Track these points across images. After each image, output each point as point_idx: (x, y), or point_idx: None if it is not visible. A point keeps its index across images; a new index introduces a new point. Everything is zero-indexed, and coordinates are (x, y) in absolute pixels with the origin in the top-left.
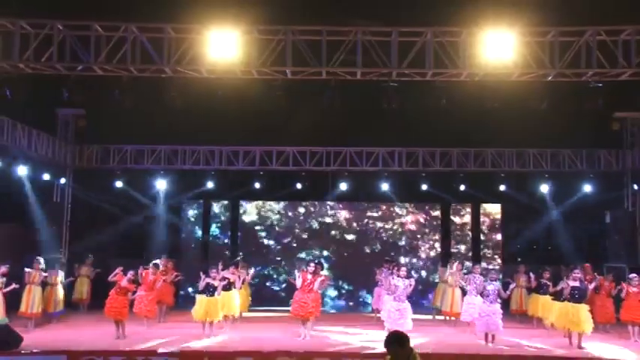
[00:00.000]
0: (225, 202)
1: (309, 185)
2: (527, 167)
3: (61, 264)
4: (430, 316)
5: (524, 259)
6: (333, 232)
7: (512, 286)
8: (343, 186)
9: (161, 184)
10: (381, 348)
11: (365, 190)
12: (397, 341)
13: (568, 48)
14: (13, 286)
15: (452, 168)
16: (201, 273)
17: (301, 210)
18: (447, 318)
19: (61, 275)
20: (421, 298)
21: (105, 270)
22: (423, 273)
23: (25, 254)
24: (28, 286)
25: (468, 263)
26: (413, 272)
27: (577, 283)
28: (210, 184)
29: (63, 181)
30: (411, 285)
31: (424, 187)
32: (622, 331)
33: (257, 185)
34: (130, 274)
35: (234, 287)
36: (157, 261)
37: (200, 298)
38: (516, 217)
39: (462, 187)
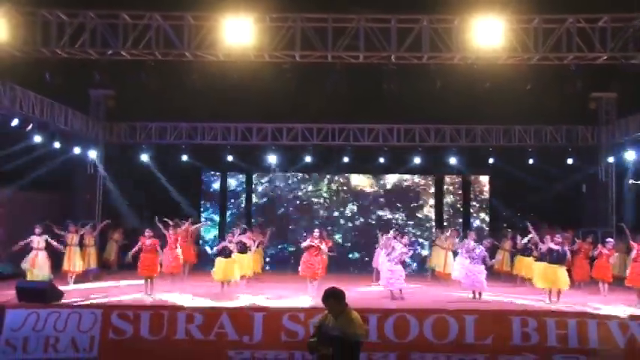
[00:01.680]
0: (241, 175)
1: (317, 158)
2: (514, 142)
3: (93, 228)
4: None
5: (510, 225)
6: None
7: (493, 261)
8: (346, 159)
9: (183, 157)
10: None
11: (366, 163)
12: (333, 296)
13: (551, 34)
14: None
15: (445, 143)
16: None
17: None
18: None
19: (93, 238)
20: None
21: (135, 233)
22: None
23: (63, 220)
24: (69, 247)
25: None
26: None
27: (557, 247)
28: (228, 158)
29: (95, 154)
30: (407, 253)
31: (420, 160)
32: (594, 287)
33: (270, 159)
34: (146, 231)
35: (249, 250)
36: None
37: (218, 260)
38: (503, 187)
39: (454, 160)
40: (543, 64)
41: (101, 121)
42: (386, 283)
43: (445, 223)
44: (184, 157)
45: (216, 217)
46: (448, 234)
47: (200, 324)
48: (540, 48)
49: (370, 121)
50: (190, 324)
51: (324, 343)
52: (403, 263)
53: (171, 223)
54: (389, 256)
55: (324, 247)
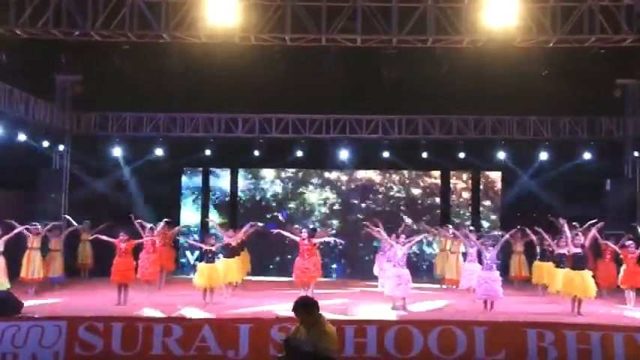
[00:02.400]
0: (224, 169)
1: (309, 153)
2: (528, 134)
3: (61, 229)
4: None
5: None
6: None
7: (503, 238)
8: (343, 154)
9: (159, 152)
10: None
11: (364, 158)
12: (303, 306)
13: (570, 13)
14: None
15: (452, 135)
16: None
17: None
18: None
19: (60, 241)
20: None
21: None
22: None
23: (26, 220)
24: (28, 251)
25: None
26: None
27: (578, 250)
28: (208, 152)
29: (62, 147)
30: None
31: (424, 154)
32: (619, 296)
33: (256, 153)
34: (121, 234)
35: (237, 254)
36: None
37: (201, 266)
38: (516, 184)
39: (462, 155)
40: (562, 47)
41: (68, 111)
42: (392, 291)
43: (456, 223)
44: (161, 151)
45: (197, 218)
46: (449, 233)
47: (179, 337)
48: (559, 29)
49: (368, 111)
50: (168, 337)
51: None
52: (409, 262)
53: (147, 225)
54: (393, 260)
55: (322, 239)
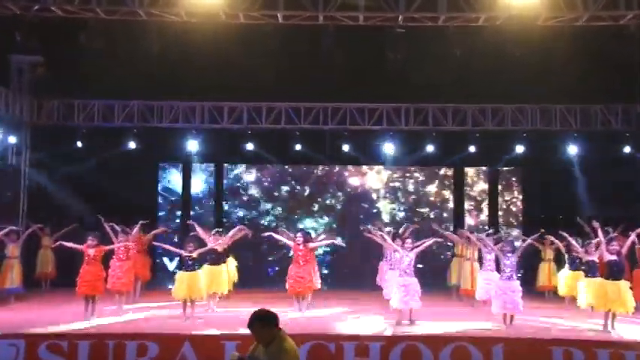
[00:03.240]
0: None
1: (304, 146)
2: (553, 126)
3: (18, 234)
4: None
5: (549, 231)
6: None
7: (525, 243)
8: (344, 147)
9: (133, 145)
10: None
11: (367, 152)
12: (259, 320)
13: None
14: None
15: (466, 127)
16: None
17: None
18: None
19: (18, 248)
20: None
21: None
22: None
23: None
24: None
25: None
26: None
27: (614, 257)
28: (190, 145)
29: (18, 140)
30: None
31: (434, 148)
32: None
33: (245, 146)
34: (90, 239)
35: (223, 261)
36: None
37: (180, 275)
38: (539, 182)
39: (477, 149)
40: (594, 25)
41: (26, 96)
42: (398, 303)
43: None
44: (136, 144)
45: (177, 220)
46: (461, 238)
47: (156, 356)
48: (591, 5)
49: (372, 99)
50: (143, 356)
51: None
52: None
53: (118, 228)
54: (398, 268)
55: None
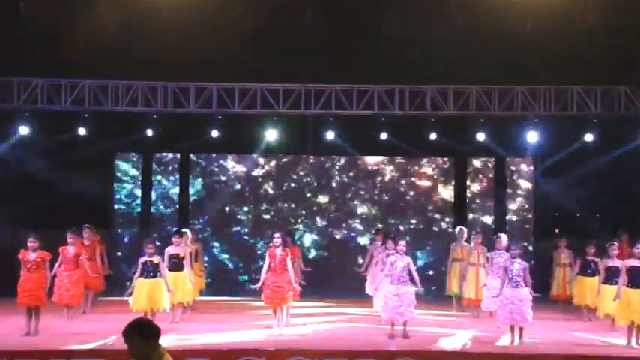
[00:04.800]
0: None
1: (283, 133)
2: (570, 110)
3: None
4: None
5: (564, 231)
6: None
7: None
8: (329, 135)
9: (84, 131)
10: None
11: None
12: (137, 330)
13: None
14: None
15: (470, 111)
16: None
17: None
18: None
19: None
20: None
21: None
22: None
23: None
24: None
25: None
26: None
27: (638, 262)
28: (150, 132)
29: None
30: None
31: (433, 136)
32: None
33: (214, 133)
34: (30, 240)
35: (186, 266)
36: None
37: (140, 282)
38: (553, 174)
39: (482, 137)
40: None
41: None
42: (391, 314)
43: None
44: (87, 131)
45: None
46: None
47: None
48: None
49: (361, 79)
50: None
51: None
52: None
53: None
54: (391, 275)
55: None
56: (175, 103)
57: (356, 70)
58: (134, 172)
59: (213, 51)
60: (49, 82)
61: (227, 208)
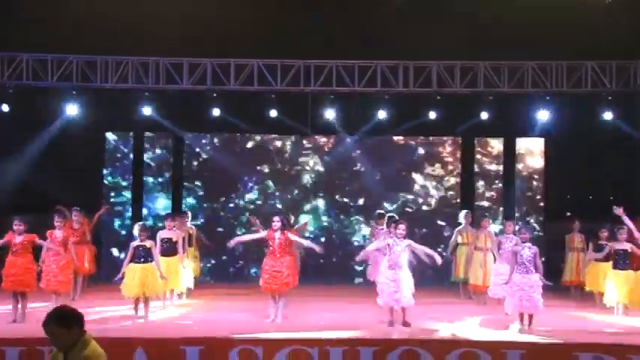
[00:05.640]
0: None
1: (281, 112)
2: (583, 86)
3: None
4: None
5: (577, 214)
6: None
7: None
8: (328, 113)
9: (72, 109)
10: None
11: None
12: (56, 320)
13: None
14: None
15: (477, 88)
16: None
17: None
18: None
19: None
20: None
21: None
22: None
23: None
24: None
25: None
26: None
27: None
28: (143, 110)
29: None
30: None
31: (438, 114)
32: None
33: (209, 111)
34: (15, 223)
35: (179, 252)
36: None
37: (132, 268)
38: (566, 155)
39: (490, 115)
40: None
41: None
42: (388, 300)
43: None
44: (76, 109)
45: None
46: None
47: None
48: None
49: (363, 55)
50: None
51: None
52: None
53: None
54: (388, 260)
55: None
56: (168, 80)
57: (358, 45)
58: (125, 152)
59: (208, 26)
60: (34, 57)
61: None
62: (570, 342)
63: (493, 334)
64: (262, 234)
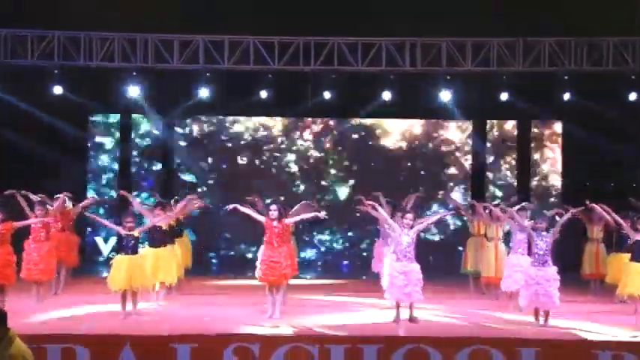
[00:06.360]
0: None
1: (278, 92)
2: (604, 65)
3: None
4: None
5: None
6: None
7: (563, 219)
8: (329, 94)
9: (57, 89)
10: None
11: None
12: None
13: None
14: None
15: (490, 67)
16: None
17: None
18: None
19: None
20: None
21: None
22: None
23: None
24: None
25: None
26: None
27: None
28: (130, 90)
29: None
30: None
31: (448, 95)
32: None
33: (201, 92)
34: None
35: (170, 242)
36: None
37: (118, 260)
38: (585, 138)
39: (504, 96)
40: None
41: None
42: (398, 294)
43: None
44: (60, 89)
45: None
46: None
47: None
48: None
49: (367, 32)
50: None
51: None
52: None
53: (36, 198)
54: (396, 251)
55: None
56: (157, 58)
57: (361, 20)
58: (111, 134)
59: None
60: (12, 32)
61: None
62: (589, 339)
63: (506, 331)
64: (261, 218)
